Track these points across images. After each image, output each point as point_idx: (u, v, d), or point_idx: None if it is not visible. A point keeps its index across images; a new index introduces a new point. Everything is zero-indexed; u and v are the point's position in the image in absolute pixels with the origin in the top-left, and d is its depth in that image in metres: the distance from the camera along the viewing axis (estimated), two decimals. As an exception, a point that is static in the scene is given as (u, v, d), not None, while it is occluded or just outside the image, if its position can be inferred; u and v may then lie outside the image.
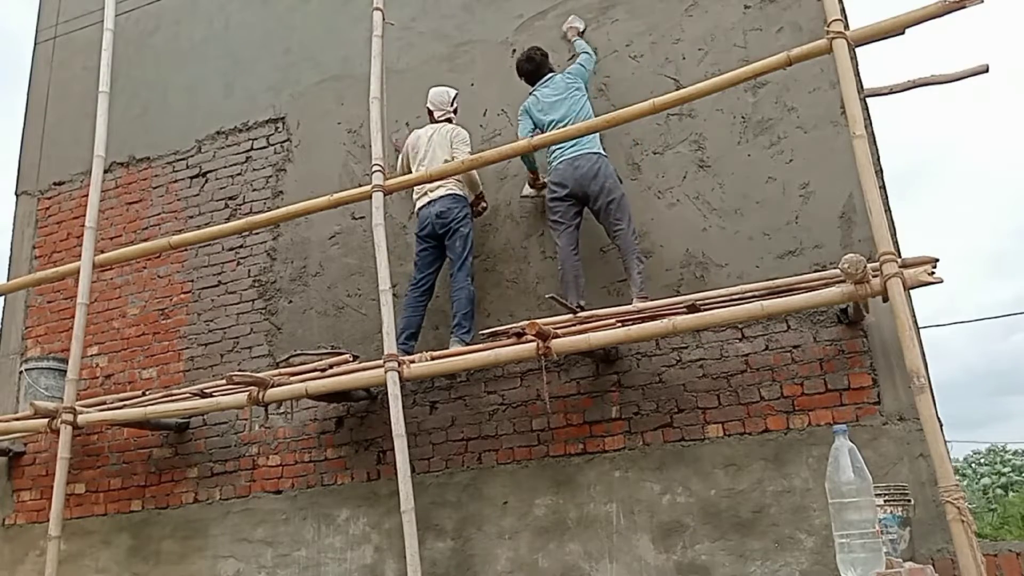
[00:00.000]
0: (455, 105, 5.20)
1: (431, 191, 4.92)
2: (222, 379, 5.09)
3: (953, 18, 3.61)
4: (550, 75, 4.92)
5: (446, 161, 4.86)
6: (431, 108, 5.17)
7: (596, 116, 4.55)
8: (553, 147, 4.66)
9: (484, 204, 5.15)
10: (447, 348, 4.65)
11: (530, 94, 4.92)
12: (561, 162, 4.64)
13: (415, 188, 4.94)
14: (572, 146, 4.62)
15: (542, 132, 4.68)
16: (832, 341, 4.21)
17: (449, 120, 5.13)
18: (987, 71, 4.15)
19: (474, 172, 4.94)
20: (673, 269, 4.68)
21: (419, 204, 4.97)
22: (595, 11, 5.29)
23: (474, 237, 4.95)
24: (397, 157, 5.25)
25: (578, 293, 4.54)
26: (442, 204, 4.87)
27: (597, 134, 4.63)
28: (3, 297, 6.57)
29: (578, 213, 4.66)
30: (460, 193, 4.94)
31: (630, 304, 4.33)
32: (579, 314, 4.31)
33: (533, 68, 4.95)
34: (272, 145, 6.06)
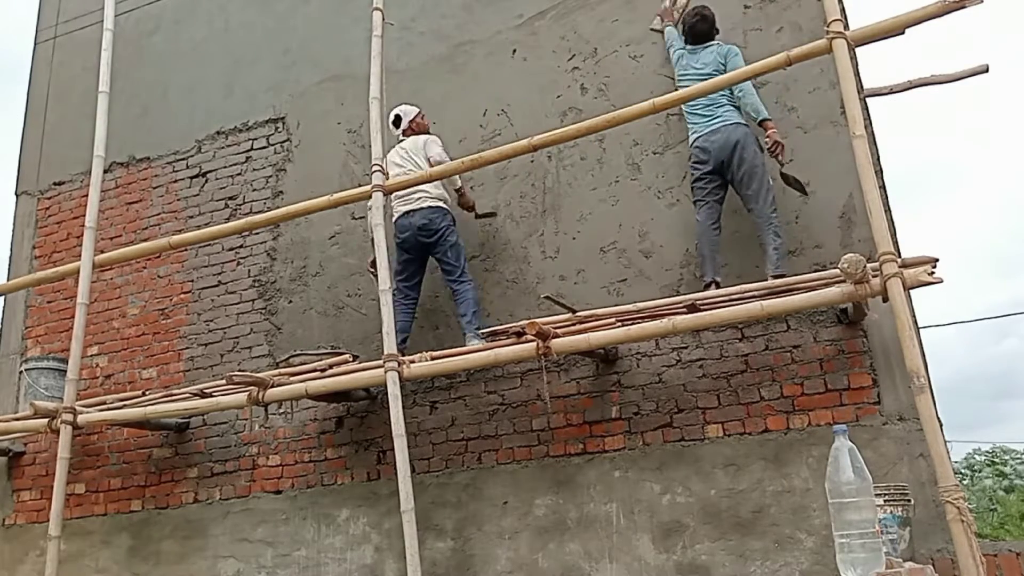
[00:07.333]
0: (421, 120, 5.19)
1: (411, 200, 4.86)
2: (222, 379, 5.09)
3: (953, 18, 3.61)
4: (712, 44, 4.71)
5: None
6: (402, 125, 5.17)
7: (596, 116, 4.49)
8: (690, 123, 4.60)
9: (468, 198, 5.08)
10: (448, 348, 4.64)
11: (686, 48, 4.76)
12: (699, 136, 4.54)
13: (393, 195, 4.85)
14: (708, 120, 4.51)
15: (677, 78, 4.72)
16: (832, 341, 4.21)
17: (420, 132, 5.11)
18: (987, 71, 4.16)
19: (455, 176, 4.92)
20: (673, 269, 4.68)
21: (398, 212, 4.92)
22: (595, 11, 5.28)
23: (463, 242, 4.93)
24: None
25: (714, 269, 4.40)
26: (423, 216, 4.82)
27: (735, 103, 4.50)
28: (3, 297, 6.57)
29: (719, 187, 4.50)
30: (440, 204, 4.89)
31: (765, 280, 4.13)
32: (579, 313, 4.30)
33: (706, 29, 4.72)
34: (272, 145, 6.07)
